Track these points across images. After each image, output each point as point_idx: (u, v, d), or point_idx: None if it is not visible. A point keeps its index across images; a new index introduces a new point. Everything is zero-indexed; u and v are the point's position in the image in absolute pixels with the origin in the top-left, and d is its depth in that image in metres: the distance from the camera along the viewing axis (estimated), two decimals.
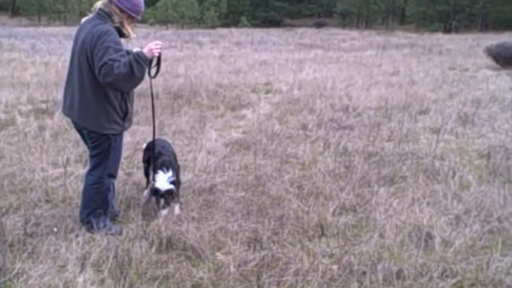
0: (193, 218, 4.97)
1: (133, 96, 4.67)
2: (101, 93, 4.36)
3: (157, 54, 4.43)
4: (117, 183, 5.17)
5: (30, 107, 10.19)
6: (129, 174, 6.18)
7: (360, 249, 4.41)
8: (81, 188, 5.05)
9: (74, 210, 5.06)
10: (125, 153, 5.46)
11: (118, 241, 4.44)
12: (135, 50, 4.49)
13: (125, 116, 4.57)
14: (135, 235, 4.59)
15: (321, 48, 27.12)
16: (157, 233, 4.53)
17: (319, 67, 17.60)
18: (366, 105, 10.57)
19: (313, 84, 13.38)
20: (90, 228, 4.61)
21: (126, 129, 4.70)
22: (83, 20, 4.53)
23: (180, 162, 6.29)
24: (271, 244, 4.49)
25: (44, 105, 10.17)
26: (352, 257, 4.24)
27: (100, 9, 4.40)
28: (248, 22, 58.34)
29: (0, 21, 52.04)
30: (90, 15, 4.49)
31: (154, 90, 4.99)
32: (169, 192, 4.92)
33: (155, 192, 4.96)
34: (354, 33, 43.87)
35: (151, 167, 5.24)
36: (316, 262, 4.16)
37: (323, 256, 4.33)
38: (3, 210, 5.01)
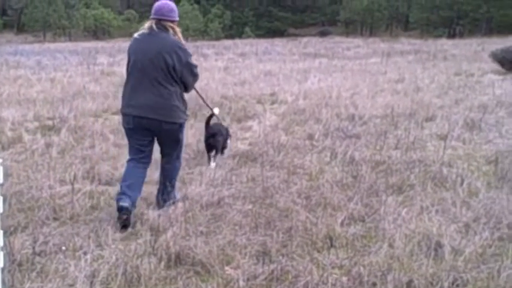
0: (202, 232, 4.95)
1: None
2: (176, 90, 5.33)
3: None
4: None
5: (36, 124, 10.21)
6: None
7: (370, 259, 4.38)
8: (88, 205, 5.26)
9: (81, 227, 5.06)
10: None
11: (126, 258, 4.43)
12: None
13: (186, 107, 5.55)
14: (143, 251, 4.58)
15: (325, 57, 27.12)
16: (166, 249, 4.51)
17: (324, 76, 17.58)
18: (372, 114, 10.54)
19: (318, 94, 13.35)
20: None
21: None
22: (137, 34, 5.34)
23: (186, 176, 6.37)
24: (280, 257, 4.45)
25: (50, 122, 10.18)
26: (361, 268, 4.20)
27: (156, 24, 5.26)
28: (252, 33, 58.49)
29: (5, 38, 52.45)
30: (142, 31, 5.30)
31: None
32: None
33: None
34: (358, 40, 43.86)
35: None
36: (325, 274, 4.13)
37: (332, 268, 4.30)
38: (12, 229, 4.99)
